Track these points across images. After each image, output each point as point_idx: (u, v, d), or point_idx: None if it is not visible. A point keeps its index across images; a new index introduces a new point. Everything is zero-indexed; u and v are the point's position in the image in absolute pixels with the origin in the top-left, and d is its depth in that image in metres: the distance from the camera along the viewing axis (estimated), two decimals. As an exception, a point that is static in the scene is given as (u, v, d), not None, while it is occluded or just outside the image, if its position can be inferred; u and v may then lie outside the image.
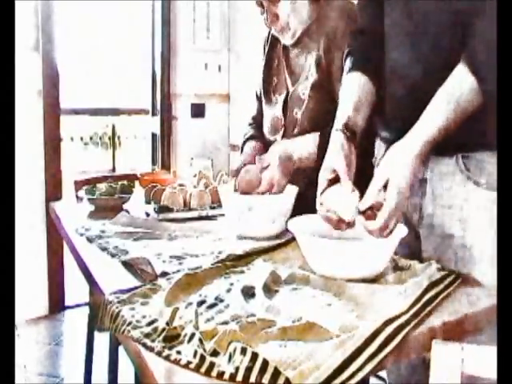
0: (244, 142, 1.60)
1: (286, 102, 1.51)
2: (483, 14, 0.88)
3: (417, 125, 0.92)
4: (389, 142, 1.10)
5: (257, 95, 1.67)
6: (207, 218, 1.43)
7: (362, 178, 0.98)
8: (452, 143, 0.96)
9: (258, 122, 1.65)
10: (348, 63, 1.16)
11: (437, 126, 0.90)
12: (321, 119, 1.39)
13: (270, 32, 1.56)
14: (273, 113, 1.55)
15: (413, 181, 0.91)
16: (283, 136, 1.50)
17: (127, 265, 1.02)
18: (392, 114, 1.09)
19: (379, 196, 0.90)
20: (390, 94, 1.10)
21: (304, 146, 1.38)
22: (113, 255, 1.08)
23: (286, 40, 1.47)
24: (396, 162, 0.91)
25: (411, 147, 0.90)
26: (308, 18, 1.43)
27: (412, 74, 1.02)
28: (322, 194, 0.98)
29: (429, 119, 0.91)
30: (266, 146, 1.51)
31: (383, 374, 1.66)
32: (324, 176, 0.99)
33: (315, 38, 1.43)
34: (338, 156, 0.99)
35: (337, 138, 1.02)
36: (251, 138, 1.60)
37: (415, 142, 0.90)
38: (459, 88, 0.89)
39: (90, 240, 1.20)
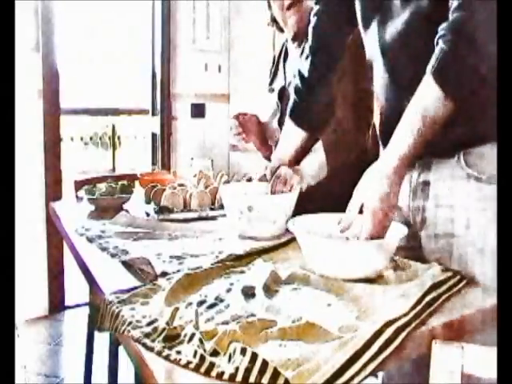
0: None
1: (283, 90, 1.63)
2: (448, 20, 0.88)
3: (390, 142, 0.92)
4: None
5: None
6: (207, 218, 1.43)
7: None
8: (453, 143, 0.96)
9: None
10: None
11: (408, 139, 0.89)
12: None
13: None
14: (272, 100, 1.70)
15: (391, 198, 0.90)
16: (279, 120, 1.63)
17: (127, 265, 1.02)
18: (386, 127, 1.09)
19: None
20: (383, 106, 1.11)
21: (307, 166, 1.43)
22: (113, 255, 1.08)
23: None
24: (369, 186, 0.91)
25: (384, 168, 0.91)
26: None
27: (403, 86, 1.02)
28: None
29: (400, 134, 0.91)
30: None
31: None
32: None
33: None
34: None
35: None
36: None
37: (388, 161, 0.91)
38: (424, 99, 0.89)
39: (90, 240, 1.20)
